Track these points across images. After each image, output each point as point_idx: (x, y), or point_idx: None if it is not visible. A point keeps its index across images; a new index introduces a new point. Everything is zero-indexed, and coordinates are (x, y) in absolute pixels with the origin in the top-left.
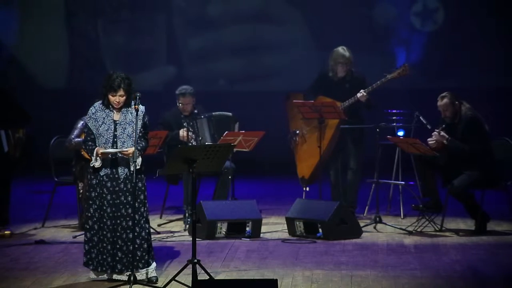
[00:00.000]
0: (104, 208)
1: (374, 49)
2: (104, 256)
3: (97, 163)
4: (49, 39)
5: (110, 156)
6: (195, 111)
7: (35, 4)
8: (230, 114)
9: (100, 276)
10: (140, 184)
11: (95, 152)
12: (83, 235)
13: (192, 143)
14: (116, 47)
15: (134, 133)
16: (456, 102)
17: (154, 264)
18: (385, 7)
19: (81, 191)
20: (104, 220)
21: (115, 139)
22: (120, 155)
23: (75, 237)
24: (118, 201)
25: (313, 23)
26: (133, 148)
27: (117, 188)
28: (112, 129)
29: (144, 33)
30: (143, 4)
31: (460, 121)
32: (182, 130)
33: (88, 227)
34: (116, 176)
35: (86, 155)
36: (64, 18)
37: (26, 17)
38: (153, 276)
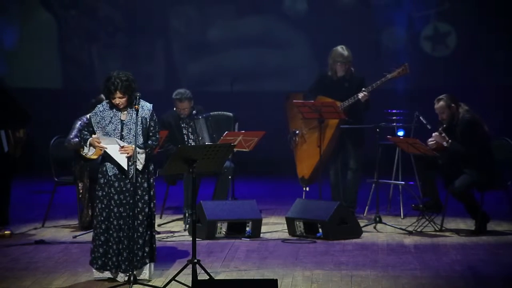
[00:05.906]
0: (111, 207)
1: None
2: (109, 256)
3: (90, 152)
4: (42, 65)
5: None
6: (194, 111)
7: (26, 30)
8: (229, 114)
9: (105, 272)
10: (145, 184)
11: (88, 142)
12: (91, 233)
13: (190, 143)
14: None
15: (141, 132)
16: (453, 105)
17: (154, 264)
18: (394, 31)
19: (81, 191)
20: (111, 219)
21: (122, 139)
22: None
23: (75, 237)
24: (125, 201)
25: (317, 47)
26: (133, 146)
27: (124, 188)
28: (119, 129)
29: (142, 58)
30: (140, 29)
31: (458, 124)
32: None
33: (94, 225)
34: (124, 176)
35: (83, 156)
36: (57, 43)
37: (17, 43)
38: (153, 276)
